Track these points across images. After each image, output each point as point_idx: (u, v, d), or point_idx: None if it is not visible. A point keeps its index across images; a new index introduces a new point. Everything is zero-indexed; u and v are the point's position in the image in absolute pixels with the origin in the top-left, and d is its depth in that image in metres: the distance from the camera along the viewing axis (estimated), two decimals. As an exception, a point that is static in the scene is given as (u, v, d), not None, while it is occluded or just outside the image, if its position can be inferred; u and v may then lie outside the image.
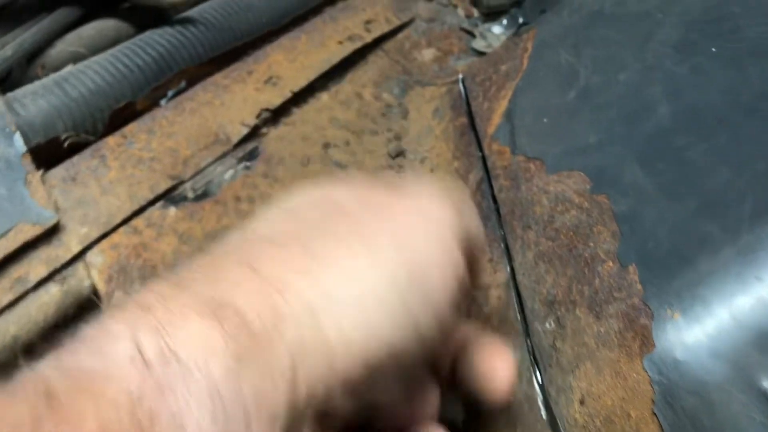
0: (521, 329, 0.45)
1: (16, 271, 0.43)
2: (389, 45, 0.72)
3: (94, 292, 0.45)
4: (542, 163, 0.50)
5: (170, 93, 0.58)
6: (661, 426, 0.35)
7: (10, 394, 0.23)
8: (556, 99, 0.54)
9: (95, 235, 0.47)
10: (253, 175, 0.55)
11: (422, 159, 0.62)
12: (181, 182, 0.52)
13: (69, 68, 0.55)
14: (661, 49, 0.50)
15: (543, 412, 0.42)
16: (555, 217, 0.47)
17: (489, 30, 0.77)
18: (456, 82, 0.67)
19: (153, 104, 0.57)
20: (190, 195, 0.52)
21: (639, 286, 0.40)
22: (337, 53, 0.67)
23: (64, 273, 0.45)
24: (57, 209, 0.46)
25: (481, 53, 0.74)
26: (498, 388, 0.36)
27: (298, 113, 0.61)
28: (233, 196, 0.53)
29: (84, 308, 0.45)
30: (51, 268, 0.44)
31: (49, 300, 0.44)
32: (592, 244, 0.44)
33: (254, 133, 0.58)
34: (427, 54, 0.73)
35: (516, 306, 0.47)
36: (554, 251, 0.46)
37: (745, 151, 0.41)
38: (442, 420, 0.36)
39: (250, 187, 0.54)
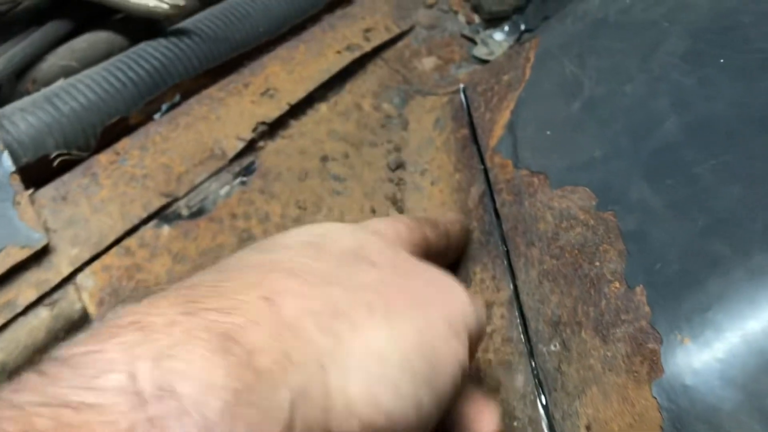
0: (525, 350, 0.44)
1: (5, 295, 0.42)
2: (389, 54, 0.71)
3: (85, 316, 0.44)
4: (546, 178, 0.49)
5: (164, 107, 0.57)
6: (670, 456, 0.34)
7: None
8: (559, 111, 0.53)
9: (86, 256, 0.46)
10: (250, 191, 0.54)
11: (422, 171, 0.61)
12: (175, 200, 0.51)
13: (60, 83, 0.54)
14: (668, 60, 0.49)
15: (548, 436, 0.41)
16: (559, 235, 0.46)
17: (490, 37, 0.76)
18: (457, 91, 0.65)
19: (146, 119, 0.56)
20: (185, 213, 0.50)
21: (647, 309, 0.39)
22: (335, 63, 0.65)
23: (54, 296, 0.44)
24: (46, 230, 0.45)
25: (482, 61, 0.73)
26: None
27: (295, 126, 0.60)
28: (229, 213, 0.52)
29: (75, 333, 0.43)
30: (40, 292, 0.43)
31: (38, 325, 0.42)
32: (598, 264, 0.42)
33: (250, 147, 0.57)
34: (428, 62, 0.72)
35: (520, 326, 0.45)
36: (559, 270, 0.44)
37: (757, 167, 0.40)
38: None
39: (247, 203, 0.53)
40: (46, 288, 0.43)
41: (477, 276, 0.50)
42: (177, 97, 0.58)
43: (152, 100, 0.56)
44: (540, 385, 0.42)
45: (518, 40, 0.73)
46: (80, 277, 0.45)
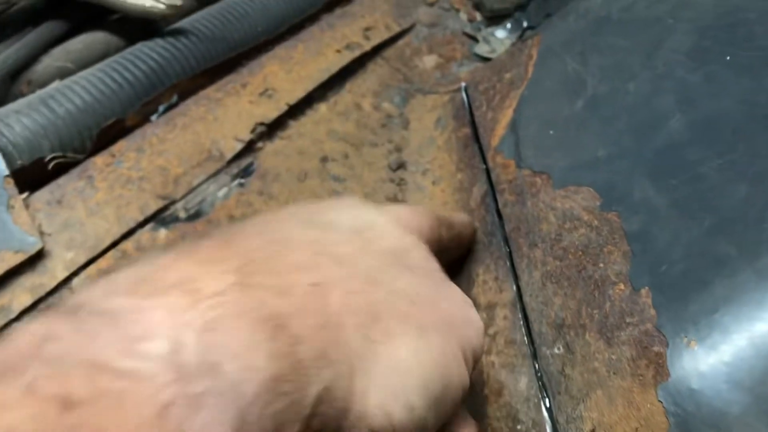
0: (528, 353, 0.44)
1: (-1, 300, 0.42)
2: (389, 52, 0.70)
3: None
4: (549, 178, 0.48)
5: (161, 108, 0.56)
6: (677, 461, 0.34)
7: (17, 388, 0.20)
8: (562, 109, 0.52)
9: (82, 260, 0.45)
10: (248, 193, 0.53)
11: (424, 171, 0.60)
12: (173, 202, 0.50)
13: (55, 84, 0.54)
14: (673, 57, 0.48)
15: (552, 440, 0.40)
16: (563, 235, 0.45)
17: (492, 34, 0.75)
18: (459, 90, 0.65)
19: (143, 120, 0.55)
20: (182, 215, 0.50)
21: (652, 311, 0.38)
22: (335, 62, 0.65)
23: (50, 301, 0.43)
24: (41, 234, 0.45)
25: (484, 59, 0.72)
26: None
27: (294, 126, 0.60)
28: (227, 215, 0.51)
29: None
30: (35, 297, 0.43)
31: (33, 330, 0.42)
32: (602, 265, 0.42)
33: (249, 148, 0.56)
34: (429, 61, 0.71)
35: (523, 328, 0.45)
36: (562, 271, 0.44)
37: (763, 165, 0.39)
38: None
39: (245, 205, 0.52)
40: (41, 293, 0.43)
41: (479, 277, 0.50)
42: (174, 98, 0.57)
43: (149, 101, 0.55)
44: (544, 388, 0.41)
45: (520, 38, 0.73)
46: (76, 282, 0.45)
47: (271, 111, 0.58)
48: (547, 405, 0.41)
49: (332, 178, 0.57)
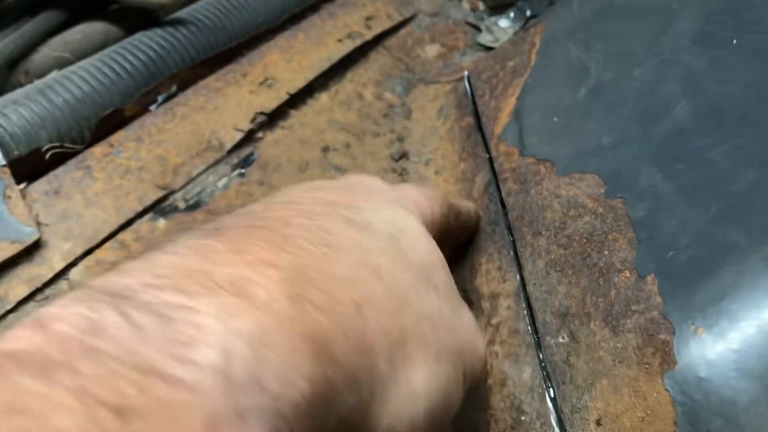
0: (532, 342, 0.43)
1: (-5, 291, 0.41)
2: (391, 42, 0.70)
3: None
4: (552, 165, 0.48)
5: (160, 98, 0.56)
6: (684, 451, 0.33)
7: (66, 388, 0.19)
8: (566, 97, 0.52)
9: (79, 250, 0.45)
10: (248, 183, 0.53)
11: (426, 161, 0.59)
12: (171, 192, 0.50)
13: (53, 74, 0.53)
14: (678, 42, 0.47)
15: (557, 431, 0.39)
16: (567, 223, 0.44)
17: (495, 24, 0.74)
18: (461, 79, 0.64)
19: (142, 110, 0.55)
20: (181, 206, 0.49)
21: (658, 299, 0.37)
22: (336, 52, 0.64)
23: (47, 292, 0.43)
24: (38, 225, 0.44)
25: (487, 48, 0.72)
26: None
27: (295, 116, 0.59)
28: (227, 205, 0.51)
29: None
30: (32, 288, 0.42)
31: (30, 322, 0.41)
32: (607, 253, 0.41)
33: (249, 138, 0.56)
34: (431, 50, 0.71)
35: (527, 318, 0.44)
36: (567, 260, 0.43)
37: (771, 151, 0.38)
38: None
39: (245, 195, 0.52)
40: (38, 284, 0.42)
41: (483, 267, 0.49)
42: (174, 88, 0.57)
43: (148, 91, 0.55)
44: (548, 378, 0.41)
45: (524, 27, 0.72)
46: (73, 272, 0.44)
47: (271, 100, 0.57)
48: (552, 395, 0.40)
49: (333, 168, 0.57)
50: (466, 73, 0.64)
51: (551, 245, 0.45)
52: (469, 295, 0.49)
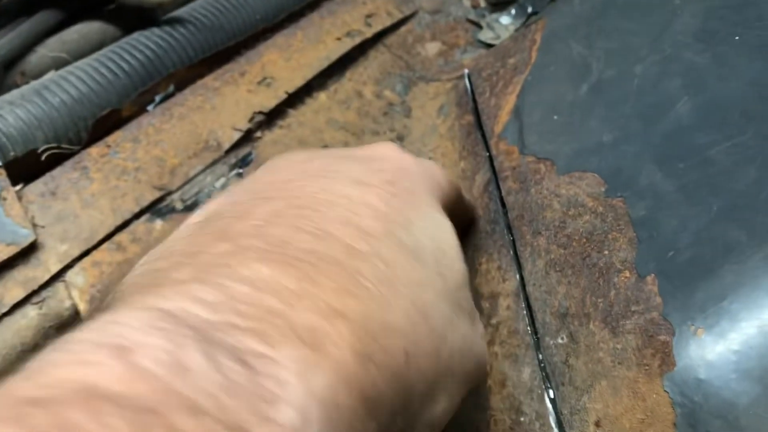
0: (532, 343, 0.43)
1: (-9, 294, 0.41)
2: (391, 39, 0.69)
3: (76, 314, 0.43)
4: (553, 164, 0.48)
5: (158, 98, 0.55)
6: (683, 453, 0.33)
7: None
8: (567, 94, 0.51)
9: (76, 252, 0.44)
10: (246, 183, 0.52)
11: (427, 159, 0.59)
12: (169, 193, 0.50)
13: (50, 75, 0.53)
14: (680, 39, 0.47)
15: (556, 432, 0.39)
16: (567, 223, 0.44)
17: (497, 21, 0.74)
18: (462, 77, 0.64)
19: (139, 110, 0.54)
20: (179, 206, 0.49)
21: (658, 299, 0.37)
22: (335, 50, 0.64)
23: (43, 294, 0.42)
24: (34, 226, 0.44)
25: (488, 45, 0.71)
26: None
27: (294, 115, 0.59)
28: (225, 205, 0.50)
29: (64, 332, 0.42)
30: (28, 290, 0.42)
31: (26, 324, 0.41)
32: (607, 252, 0.41)
33: (247, 137, 0.55)
34: (432, 48, 0.70)
35: (526, 318, 0.44)
36: (566, 260, 0.43)
37: (774, 149, 0.38)
38: None
39: (243, 195, 0.51)
40: (34, 286, 0.42)
41: (482, 266, 0.49)
42: (171, 88, 0.56)
43: (145, 91, 0.55)
44: (547, 379, 0.41)
45: (525, 24, 0.71)
46: (70, 274, 0.44)
47: (269, 100, 0.57)
48: (551, 396, 0.40)
49: (333, 167, 0.56)
50: (466, 70, 0.64)
51: (551, 245, 0.44)
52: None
